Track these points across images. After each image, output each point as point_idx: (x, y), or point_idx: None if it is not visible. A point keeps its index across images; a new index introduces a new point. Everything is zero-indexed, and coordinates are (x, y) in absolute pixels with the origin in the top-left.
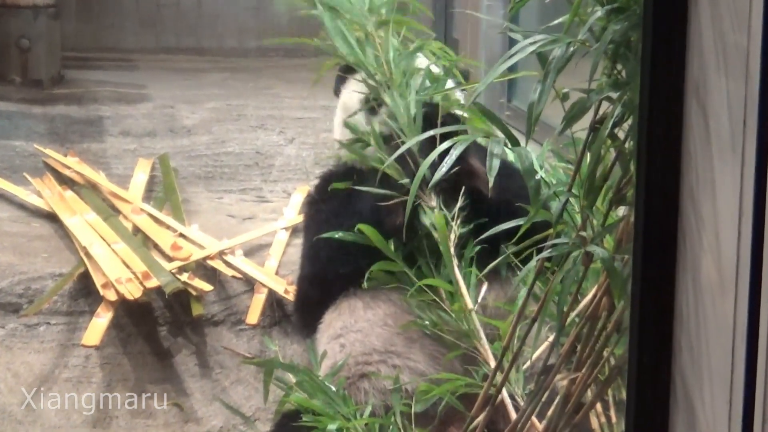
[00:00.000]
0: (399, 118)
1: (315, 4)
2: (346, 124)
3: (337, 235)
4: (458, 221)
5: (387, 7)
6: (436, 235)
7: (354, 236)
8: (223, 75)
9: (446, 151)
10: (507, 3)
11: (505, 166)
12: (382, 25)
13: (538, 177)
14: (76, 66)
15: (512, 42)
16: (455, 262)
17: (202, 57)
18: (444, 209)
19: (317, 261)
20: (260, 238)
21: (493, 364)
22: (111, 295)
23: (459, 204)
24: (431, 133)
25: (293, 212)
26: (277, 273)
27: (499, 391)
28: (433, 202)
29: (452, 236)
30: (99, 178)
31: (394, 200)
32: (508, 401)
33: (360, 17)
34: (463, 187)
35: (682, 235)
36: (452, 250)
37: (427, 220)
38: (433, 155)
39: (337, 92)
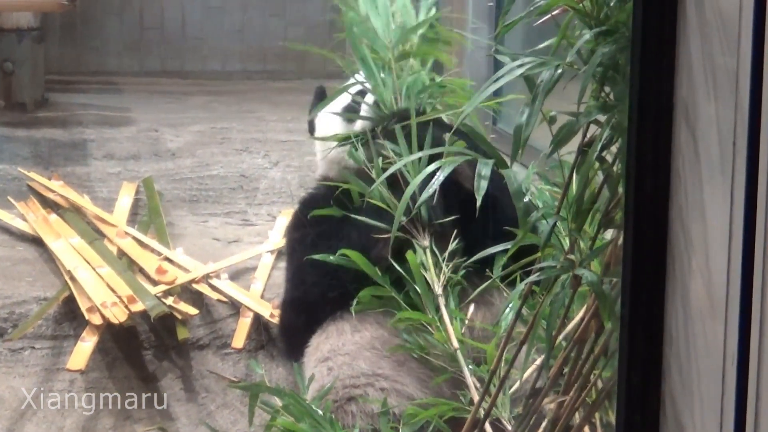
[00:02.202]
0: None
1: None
2: (350, 155)
3: (328, 259)
4: (449, 264)
5: (413, 34)
6: (426, 275)
7: (344, 260)
8: (207, 98)
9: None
10: (493, 25)
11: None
12: (404, 56)
13: (526, 199)
14: (59, 89)
15: (498, 64)
16: (442, 302)
17: (186, 80)
18: (436, 250)
19: (304, 285)
20: (245, 262)
21: (478, 387)
22: (96, 319)
23: (450, 247)
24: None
25: (278, 235)
26: (262, 296)
27: (487, 416)
28: (426, 242)
29: (441, 278)
30: (83, 201)
31: (381, 232)
32: (501, 423)
33: (382, 48)
34: (455, 232)
35: (671, 258)
36: (439, 290)
37: (417, 258)
38: (419, 178)
39: (312, 121)
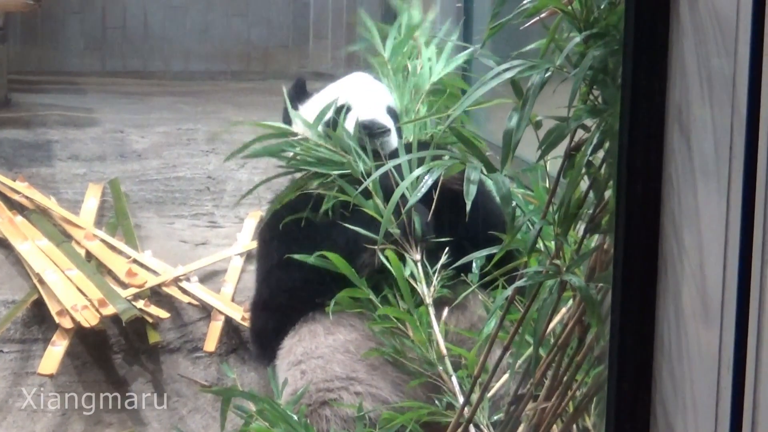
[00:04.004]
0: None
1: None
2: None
3: (308, 260)
4: (438, 277)
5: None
6: (418, 288)
7: (323, 263)
8: (171, 98)
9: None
10: (461, 26)
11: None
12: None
13: (514, 204)
14: (22, 89)
15: (468, 66)
16: (432, 311)
17: (148, 80)
18: (427, 264)
19: (277, 286)
20: (215, 265)
21: (457, 391)
22: (66, 323)
23: (442, 260)
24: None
25: (247, 238)
26: (233, 299)
27: (469, 422)
28: (417, 256)
29: (432, 289)
30: (50, 203)
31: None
32: (480, 428)
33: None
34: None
35: (663, 263)
36: (429, 300)
37: (407, 271)
38: (406, 182)
39: (287, 114)
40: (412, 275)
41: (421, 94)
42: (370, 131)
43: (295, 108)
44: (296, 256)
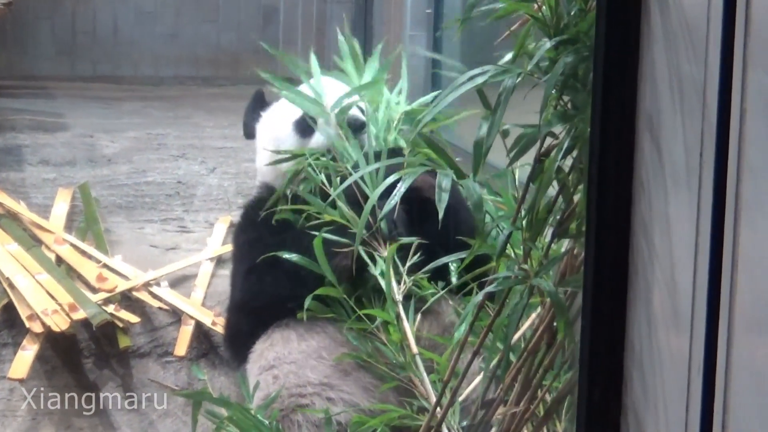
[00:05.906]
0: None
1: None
2: (309, 174)
3: (290, 258)
4: (409, 276)
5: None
6: (383, 285)
7: (303, 260)
8: (141, 103)
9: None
10: (431, 33)
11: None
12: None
13: (485, 210)
14: None
15: (436, 73)
16: (402, 309)
17: (119, 85)
18: (398, 261)
19: (251, 289)
20: (184, 269)
21: (430, 396)
22: (37, 327)
23: (413, 260)
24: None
25: (217, 243)
26: (203, 304)
27: (439, 425)
28: (386, 253)
29: (402, 286)
30: (19, 207)
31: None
32: None
33: None
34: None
35: (634, 269)
36: (400, 297)
37: (377, 270)
38: (378, 191)
39: (250, 125)
40: (381, 273)
41: (394, 123)
42: (355, 126)
43: (258, 116)
44: (275, 254)
